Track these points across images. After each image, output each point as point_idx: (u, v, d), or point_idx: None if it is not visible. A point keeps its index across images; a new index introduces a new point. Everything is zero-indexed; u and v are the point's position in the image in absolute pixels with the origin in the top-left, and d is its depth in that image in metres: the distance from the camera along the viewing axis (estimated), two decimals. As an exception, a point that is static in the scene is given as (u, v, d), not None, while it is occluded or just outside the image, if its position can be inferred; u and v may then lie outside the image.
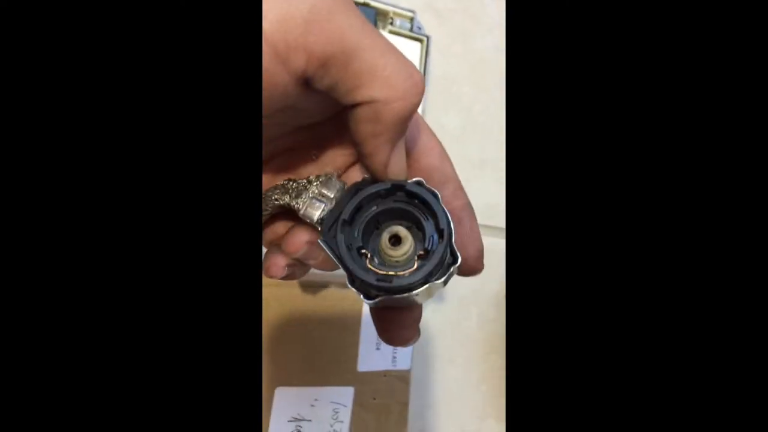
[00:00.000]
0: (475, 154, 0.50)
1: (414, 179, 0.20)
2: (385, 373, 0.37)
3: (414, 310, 0.21)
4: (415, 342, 0.22)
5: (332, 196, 0.20)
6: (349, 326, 0.36)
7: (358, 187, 0.20)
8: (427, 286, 0.19)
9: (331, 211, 0.20)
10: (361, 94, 0.17)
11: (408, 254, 0.20)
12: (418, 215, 0.20)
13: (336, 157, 0.21)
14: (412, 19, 0.44)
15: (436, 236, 0.20)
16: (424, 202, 0.19)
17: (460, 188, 0.21)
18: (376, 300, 0.19)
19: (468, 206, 0.21)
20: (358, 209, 0.20)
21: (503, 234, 0.51)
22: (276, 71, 0.16)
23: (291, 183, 0.21)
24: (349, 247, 0.19)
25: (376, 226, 0.21)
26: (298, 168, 0.22)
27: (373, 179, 0.20)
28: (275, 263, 0.21)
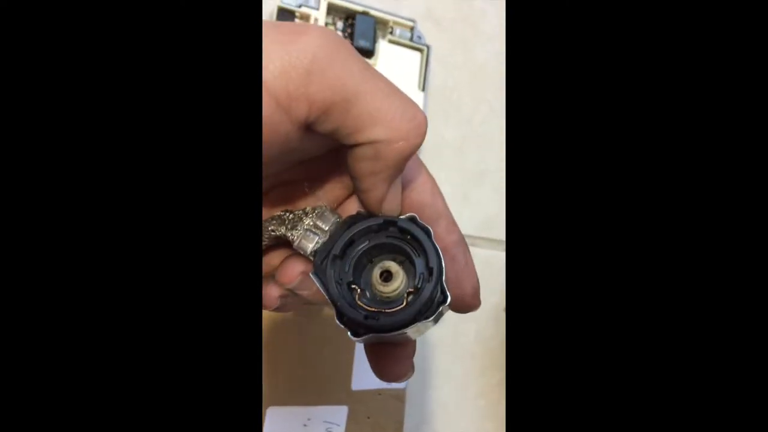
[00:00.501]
0: (475, 165, 0.49)
1: (407, 215, 0.20)
2: (379, 392, 0.36)
3: (407, 346, 0.21)
4: (409, 377, 0.21)
5: (326, 228, 0.20)
6: (343, 344, 0.35)
7: (351, 221, 0.20)
8: (414, 325, 0.19)
9: (324, 243, 0.20)
10: (364, 136, 0.17)
11: (399, 290, 0.20)
12: (410, 251, 0.20)
13: (332, 190, 0.21)
14: (412, 29, 0.43)
15: (426, 274, 0.19)
16: (416, 239, 0.19)
17: (453, 223, 0.21)
18: (363, 338, 0.19)
19: (462, 242, 0.21)
20: (350, 243, 0.20)
21: (503, 246, 0.51)
22: (279, 120, 0.16)
23: (287, 214, 0.21)
24: (339, 282, 0.19)
25: (369, 260, 0.20)
26: (294, 200, 0.22)
27: (368, 213, 0.20)
28: (268, 294, 0.21)
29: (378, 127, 0.17)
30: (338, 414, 0.35)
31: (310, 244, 0.20)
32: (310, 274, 0.19)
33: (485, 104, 0.49)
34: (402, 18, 0.43)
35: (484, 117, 0.49)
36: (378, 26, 0.42)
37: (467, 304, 0.21)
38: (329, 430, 0.34)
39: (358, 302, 0.19)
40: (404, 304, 0.19)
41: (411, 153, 0.18)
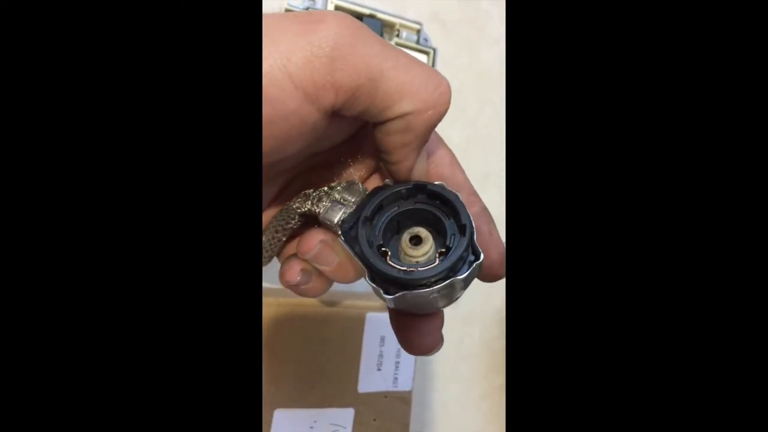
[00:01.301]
0: (480, 166, 0.49)
1: (436, 182, 0.20)
2: (386, 394, 0.36)
3: (436, 317, 0.21)
4: (437, 350, 0.21)
5: (353, 200, 0.20)
6: (349, 347, 0.35)
7: (379, 190, 0.20)
8: (448, 282, 0.19)
9: (351, 213, 0.20)
10: (393, 111, 0.18)
11: (428, 254, 0.20)
12: (439, 215, 0.20)
13: (353, 173, 0.22)
14: (418, 32, 0.43)
15: (458, 235, 0.19)
16: (446, 201, 0.20)
17: (474, 194, 0.21)
18: (396, 296, 0.19)
19: (485, 211, 0.21)
20: (380, 208, 0.20)
21: (507, 249, 0.51)
22: (307, 111, 0.16)
23: (313, 192, 0.21)
24: (370, 244, 0.19)
25: (396, 230, 0.21)
26: (317, 186, 0.22)
27: (395, 182, 0.20)
28: (291, 268, 0.21)
29: (406, 100, 0.17)
30: (345, 416, 0.35)
31: (336, 215, 0.20)
32: (339, 240, 0.20)
33: (490, 106, 0.49)
34: (408, 21, 0.43)
35: (489, 119, 0.49)
36: (385, 29, 0.42)
37: (494, 272, 0.21)
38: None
39: (390, 261, 0.19)
40: (436, 262, 0.19)
41: (439, 120, 0.18)
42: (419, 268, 0.19)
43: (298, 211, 0.21)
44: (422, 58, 0.43)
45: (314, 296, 0.22)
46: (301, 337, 0.34)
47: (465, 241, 0.19)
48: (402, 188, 0.20)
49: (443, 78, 0.18)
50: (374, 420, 0.36)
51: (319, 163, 0.22)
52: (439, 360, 0.48)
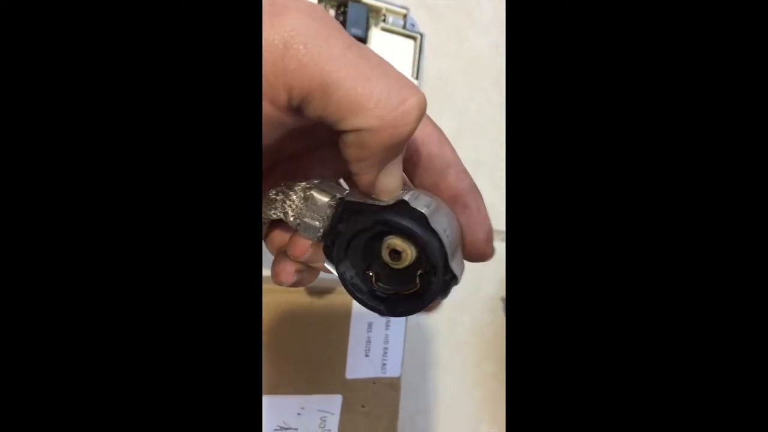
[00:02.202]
0: (471, 155, 0.49)
1: (396, 198, 0.19)
2: (374, 381, 0.36)
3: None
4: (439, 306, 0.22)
5: (323, 214, 0.20)
6: (336, 333, 0.35)
7: (343, 210, 0.19)
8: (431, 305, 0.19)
9: (326, 230, 0.20)
10: (346, 125, 0.16)
11: (411, 260, 0.19)
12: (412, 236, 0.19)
13: (337, 159, 0.21)
14: (405, 16, 0.43)
15: (430, 267, 0.19)
16: (411, 234, 0.18)
17: (463, 171, 0.20)
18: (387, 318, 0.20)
19: (473, 188, 0.21)
20: (348, 244, 0.20)
21: (500, 236, 0.51)
22: (266, 109, 0.16)
23: (278, 194, 0.20)
24: (353, 276, 0.20)
25: (377, 238, 0.20)
26: (299, 172, 0.22)
27: (356, 204, 0.19)
28: (284, 269, 0.21)
29: (360, 116, 0.16)
30: (332, 403, 0.35)
31: (313, 233, 0.20)
32: (326, 265, 0.20)
33: (481, 94, 0.49)
34: (395, 5, 0.42)
35: (480, 107, 0.49)
36: (371, 14, 0.42)
37: (480, 251, 0.20)
38: (323, 419, 0.34)
39: (376, 286, 0.20)
40: (419, 284, 0.19)
41: (401, 141, 0.17)
42: (405, 293, 0.20)
43: (272, 216, 0.21)
44: (409, 43, 0.43)
45: (304, 285, 0.22)
46: (287, 323, 0.33)
47: (440, 277, 0.18)
48: (361, 228, 0.19)
49: (414, 92, 0.16)
50: (362, 406, 0.36)
51: (299, 148, 0.21)
52: (430, 348, 0.47)
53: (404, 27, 0.42)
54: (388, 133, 0.16)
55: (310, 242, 0.20)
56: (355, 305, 0.36)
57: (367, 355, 0.36)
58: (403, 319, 0.37)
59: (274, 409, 0.33)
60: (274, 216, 0.21)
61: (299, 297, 0.34)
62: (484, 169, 0.49)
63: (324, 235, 0.20)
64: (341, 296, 0.35)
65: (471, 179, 0.21)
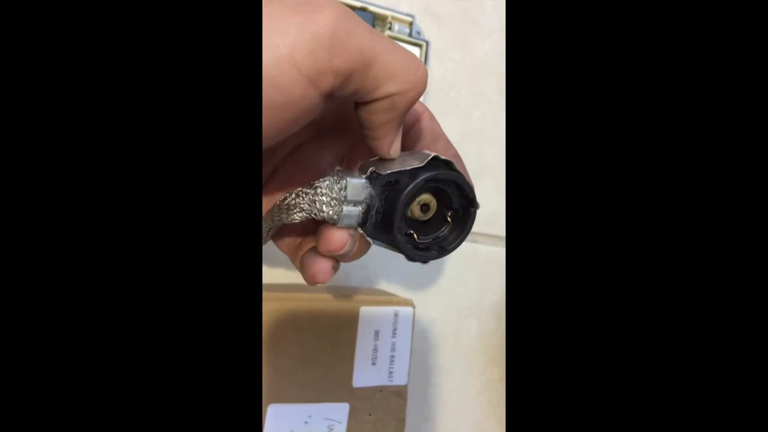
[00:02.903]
0: (475, 160, 0.49)
1: (429, 157, 0.22)
2: (381, 389, 0.36)
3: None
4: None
5: (361, 199, 0.21)
6: (343, 341, 0.35)
7: (385, 183, 0.22)
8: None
9: (365, 213, 0.22)
10: (380, 92, 0.19)
11: (434, 211, 0.23)
12: (441, 186, 0.23)
13: (340, 141, 0.25)
14: (411, 24, 0.43)
15: (464, 201, 0.23)
16: (449, 181, 0.22)
17: (449, 142, 0.25)
18: (431, 261, 0.23)
19: (458, 156, 0.25)
20: (409, 201, 0.22)
21: (503, 242, 0.50)
22: (311, 95, 0.18)
23: (301, 197, 0.21)
24: (401, 233, 0.22)
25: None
26: (308, 158, 0.24)
27: (396, 173, 0.22)
28: (321, 269, 0.23)
29: (392, 82, 0.19)
30: (340, 411, 0.35)
31: (354, 220, 0.21)
32: (371, 241, 0.22)
33: (485, 99, 0.49)
34: (401, 13, 0.42)
35: (484, 112, 0.49)
36: (377, 22, 0.42)
37: None
38: (331, 427, 0.34)
39: (419, 241, 0.23)
40: (451, 224, 0.24)
41: (418, 99, 0.20)
42: (449, 246, 0.23)
43: (295, 218, 0.21)
44: (415, 50, 0.43)
45: (325, 281, 0.23)
46: (294, 332, 0.33)
47: (475, 210, 0.23)
48: (415, 188, 0.22)
49: (420, 61, 0.20)
50: (369, 415, 0.36)
51: (309, 137, 0.24)
52: (436, 354, 0.47)
53: (410, 34, 0.42)
54: (412, 93, 0.20)
55: (347, 233, 0.22)
56: (362, 313, 0.35)
57: (373, 364, 0.36)
58: (409, 327, 0.37)
59: (282, 418, 0.33)
60: (298, 218, 0.21)
61: (306, 306, 0.34)
62: (489, 174, 0.49)
63: (366, 214, 0.22)
64: (348, 305, 0.35)
65: (456, 150, 0.25)
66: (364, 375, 0.35)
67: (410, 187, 0.21)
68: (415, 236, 0.23)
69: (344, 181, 0.21)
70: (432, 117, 0.25)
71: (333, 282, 0.43)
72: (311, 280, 0.23)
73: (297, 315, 0.34)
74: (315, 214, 0.21)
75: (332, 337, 0.34)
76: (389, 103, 0.20)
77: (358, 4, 0.41)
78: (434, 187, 0.23)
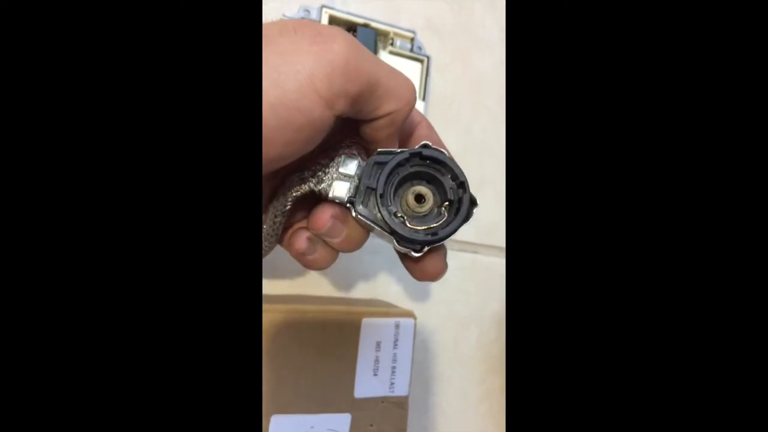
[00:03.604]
0: (475, 172, 0.49)
1: (420, 144, 0.23)
2: (382, 400, 0.37)
3: (441, 248, 0.25)
4: (444, 274, 0.25)
5: (353, 174, 0.23)
6: (345, 352, 0.36)
7: (375, 161, 0.23)
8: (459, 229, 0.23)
9: (356, 187, 0.23)
10: (382, 111, 0.22)
11: (431, 206, 0.24)
12: (434, 173, 0.24)
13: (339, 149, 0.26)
14: (412, 40, 0.43)
15: (456, 188, 0.23)
16: (439, 162, 0.23)
17: (429, 123, 0.26)
18: (423, 252, 0.23)
19: (438, 139, 0.26)
20: (387, 180, 0.23)
21: (503, 254, 0.51)
22: (326, 116, 0.20)
23: (307, 173, 0.24)
24: (390, 214, 0.23)
25: (395, 188, 0.24)
26: (307, 163, 0.25)
27: (387, 150, 0.23)
28: (298, 239, 0.25)
29: (392, 101, 0.22)
30: (341, 422, 0.35)
31: (344, 192, 0.23)
32: (359, 216, 0.23)
33: (485, 112, 0.50)
34: (402, 29, 0.43)
35: (484, 125, 0.50)
36: (379, 38, 0.43)
37: None
38: (332, 437, 0.35)
39: (409, 225, 0.23)
40: (446, 215, 0.23)
41: (411, 112, 0.23)
42: (441, 231, 0.23)
43: (296, 194, 0.24)
44: (416, 66, 0.44)
45: (321, 268, 0.26)
46: (296, 343, 0.34)
47: (467, 195, 0.23)
48: (401, 159, 0.23)
49: (410, 79, 0.23)
50: (371, 425, 0.36)
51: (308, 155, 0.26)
52: (436, 363, 0.48)
53: (411, 50, 0.43)
54: (407, 108, 0.22)
55: (330, 214, 0.24)
56: (364, 325, 0.36)
57: (375, 375, 0.36)
58: (410, 338, 0.37)
59: (284, 429, 0.33)
60: (302, 191, 0.23)
61: (309, 317, 0.35)
62: (489, 186, 0.50)
63: (356, 190, 0.23)
64: (350, 316, 0.36)
65: (434, 130, 0.26)
66: (366, 386, 0.36)
67: (395, 157, 0.23)
68: (406, 221, 0.23)
69: (341, 158, 0.23)
70: (429, 126, 0.26)
71: (335, 293, 0.44)
72: (289, 247, 0.25)
73: (299, 326, 0.34)
74: (313, 184, 0.23)
75: (334, 348, 0.35)
76: (389, 119, 0.22)
77: (361, 21, 0.42)
78: (427, 174, 0.23)
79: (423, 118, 0.26)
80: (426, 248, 0.23)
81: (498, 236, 0.50)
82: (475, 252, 0.50)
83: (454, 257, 0.49)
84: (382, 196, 0.23)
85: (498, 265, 0.50)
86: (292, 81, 0.19)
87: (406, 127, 0.26)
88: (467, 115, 0.49)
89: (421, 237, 0.23)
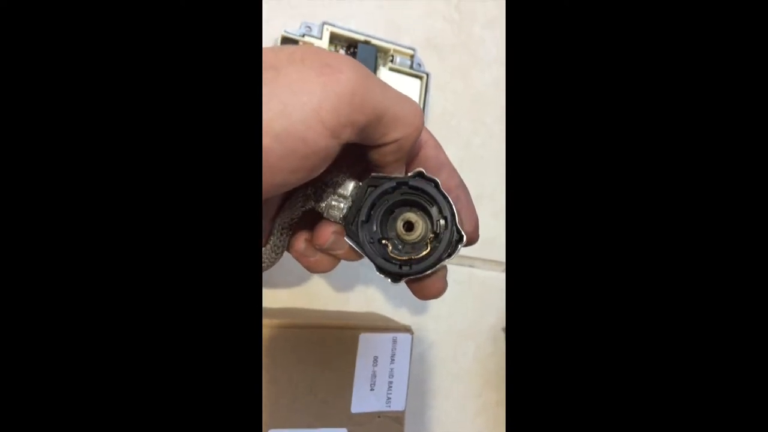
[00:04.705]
0: (474, 188, 0.50)
1: (414, 171, 0.23)
2: (379, 414, 0.37)
3: (441, 268, 0.25)
4: (444, 292, 0.25)
5: (348, 195, 0.24)
6: (342, 367, 0.36)
7: (369, 185, 0.24)
8: (441, 264, 0.23)
9: (349, 208, 0.24)
10: (390, 137, 0.22)
11: (422, 234, 0.23)
12: (423, 203, 0.23)
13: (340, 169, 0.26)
14: (412, 57, 0.44)
15: (441, 220, 0.23)
16: (426, 193, 0.23)
17: (454, 170, 0.26)
18: (401, 281, 0.23)
19: (462, 185, 0.25)
20: (373, 206, 0.23)
21: (501, 267, 0.51)
22: (332, 145, 0.20)
23: (310, 190, 0.24)
24: (371, 241, 0.23)
25: (390, 212, 0.24)
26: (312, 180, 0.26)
27: (381, 175, 0.23)
28: (297, 238, 0.26)
29: (399, 129, 0.22)
30: (338, 436, 0.35)
31: (338, 212, 0.24)
32: (345, 239, 0.24)
33: (484, 129, 0.50)
34: (402, 46, 0.44)
35: (483, 141, 0.50)
36: (379, 54, 0.43)
37: (470, 238, 0.24)
38: (329, 451, 0.35)
39: (391, 254, 0.23)
40: (428, 248, 0.23)
41: (418, 138, 0.23)
42: (415, 257, 0.23)
43: (301, 208, 0.24)
44: (416, 82, 0.44)
45: (323, 271, 0.26)
46: (293, 357, 0.34)
47: (449, 230, 0.23)
48: (387, 187, 0.23)
49: (417, 104, 0.23)
50: (367, 439, 0.36)
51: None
52: (433, 378, 0.48)
53: (411, 67, 0.44)
54: (415, 134, 0.22)
55: (331, 230, 0.24)
56: (361, 339, 0.36)
57: (372, 389, 0.36)
58: (407, 353, 0.38)
59: (282, 443, 0.34)
60: (306, 207, 0.24)
61: (306, 331, 0.35)
62: (487, 201, 0.50)
63: (349, 211, 0.23)
64: (348, 331, 0.36)
65: (460, 177, 0.26)
66: (363, 400, 0.36)
67: (382, 185, 0.23)
68: (389, 248, 0.23)
69: (339, 178, 0.24)
70: (437, 145, 0.26)
71: (332, 305, 0.44)
72: (290, 247, 0.26)
73: (297, 341, 0.35)
74: (314, 202, 0.24)
75: (331, 362, 0.35)
76: (397, 146, 0.22)
77: (362, 38, 0.42)
78: (417, 203, 0.23)
79: (431, 137, 0.26)
80: (403, 279, 0.23)
81: (495, 250, 0.51)
82: (471, 266, 0.50)
83: (450, 271, 0.49)
84: (365, 221, 0.23)
85: (495, 279, 0.51)
86: (298, 112, 0.19)
87: (414, 149, 0.25)
88: (466, 131, 0.50)
89: (395, 269, 0.23)
